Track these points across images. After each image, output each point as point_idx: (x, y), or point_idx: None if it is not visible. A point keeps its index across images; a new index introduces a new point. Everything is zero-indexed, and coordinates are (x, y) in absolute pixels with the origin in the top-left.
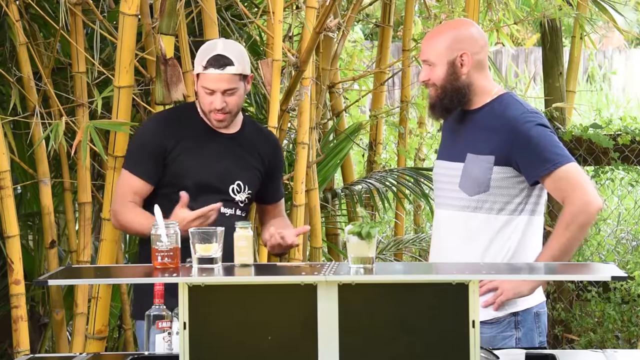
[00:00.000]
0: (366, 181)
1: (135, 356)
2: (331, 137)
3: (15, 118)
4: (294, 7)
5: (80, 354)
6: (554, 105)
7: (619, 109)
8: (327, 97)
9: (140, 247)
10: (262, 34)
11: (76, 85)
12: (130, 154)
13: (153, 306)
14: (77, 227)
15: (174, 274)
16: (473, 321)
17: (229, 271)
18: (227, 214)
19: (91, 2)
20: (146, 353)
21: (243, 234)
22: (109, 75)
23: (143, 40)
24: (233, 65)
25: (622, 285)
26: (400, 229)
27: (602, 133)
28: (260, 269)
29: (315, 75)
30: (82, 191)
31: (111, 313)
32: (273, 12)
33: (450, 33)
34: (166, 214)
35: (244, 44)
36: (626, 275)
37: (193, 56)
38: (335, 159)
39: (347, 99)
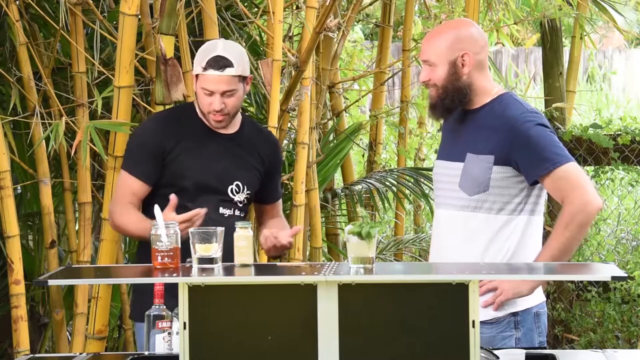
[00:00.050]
0: (366, 181)
1: (135, 356)
2: (331, 137)
3: (15, 118)
4: (294, 7)
5: (80, 354)
6: (554, 105)
7: (619, 109)
8: (327, 97)
9: (139, 248)
10: (262, 34)
11: (76, 85)
12: (129, 155)
13: (153, 306)
14: (77, 227)
15: (174, 274)
16: (473, 321)
17: (229, 271)
18: (225, 215)
19: (91, 2)
20: (146, 353)
21: (243, 234)
22: (109, 75)
23: (143, 40)
24: (233, 66)
25: (622, 285)
26: (400, 229)
27: (602, 133)
28: (260, 269)
29: (315, 75)
30: (82, 191)
31: (111, 313)
32: (273, 12)
33: (450, 33)
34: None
35: (244, 44)
36: (626, 275)
37: (193, 56)
38: (335, 159)
39: (347, 99)
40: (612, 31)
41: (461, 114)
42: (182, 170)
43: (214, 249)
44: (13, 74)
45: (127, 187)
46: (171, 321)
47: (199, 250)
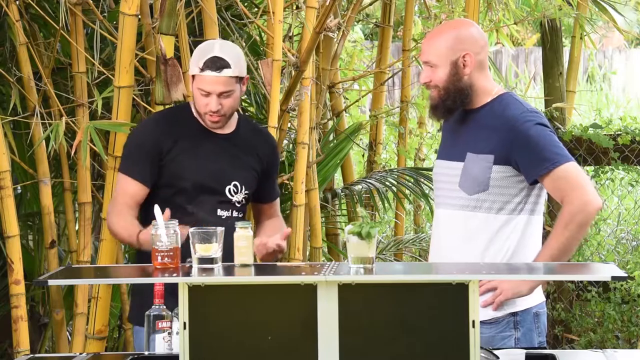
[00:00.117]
0: (366, 181)
1: (135, 356)
2: (331, 137)
3: (15, 118)
4: (294, 7)
5: (80, 354)
6: (554, 105)
7: (619, 109)
8: (327, 97)
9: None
10: (262, 34)
11: (76, 85)
12: (126, 157)
13: (153, 306)
14: (77, 227)
15: (174, 274)
16: (473, 321)
17: (229, 271)
18: (223, 217)
19: (91, 2)
20: (146, 353)
21: (243, 234)
22: (109, 75)
23: (143, 40)
24: (230, 67)
25: (622, 285)
26: (400, 229)
27: (602, 133)
28: (260, 269)
29: (315, 75)
30: (82, 191)
31: (111, 313)
32: (273, 12)
33: (451, 33)
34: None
35: (244, 44)
36: (626, 275)
37: None
38: (335, 159)
39: (347, 99)
40: (612, 31)
41: (461, 114)
42: (180, 171)
43: (214, 249)
44: (13, 74)
45: (124, 190)
46: (171, 321)
47: (199, 250)
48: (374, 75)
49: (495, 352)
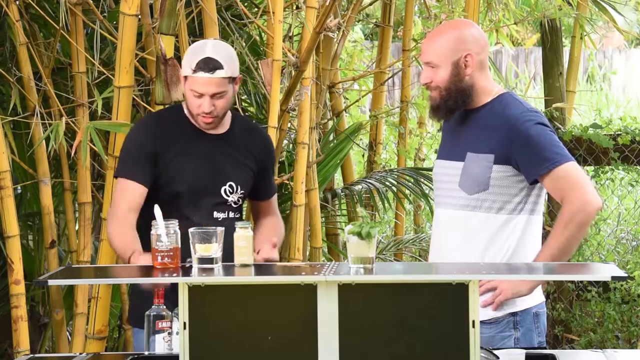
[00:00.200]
0: (366, 181)
1: (135, 356)
2: (331, 137)
3: (15, 118)
4: (294, 7)
5: (80, 354)
6: (554, 105)
7: (619, 109)
8: (327, 97)
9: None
10: (262, 34)
11: (76, 85)
12: (123, 160)
13: (153, 306)
14: (77, 227)
15: (174, 274)
16: (473, 321)
17: (229, 271)
18: (220, 219)
19: (91, 2)
20: (146, 353)
21: (243, 234)
22: (109, 75)
23: (143, 40)
24: (222, 68)
25: (622, 285)
26: (400, 229)
27: (602, 133)
28: (260, 269)
29: (315, 75)
30: (82, 191)
31: (111, 313)
32: (273, 12)
33: (452, 34)
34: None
35: (244, 44)
36: (626, 275)
37: None
38: (335, 159)
39: (347, 99)
40: (612, 31)
41: (461, 114)
42: (176, 174)
43: (214, 249)
44: (13, 74)
45: (124, 193)
46: (171, 321)
47: (199, 250)
48: (374, 75)
49: (495, 352)
